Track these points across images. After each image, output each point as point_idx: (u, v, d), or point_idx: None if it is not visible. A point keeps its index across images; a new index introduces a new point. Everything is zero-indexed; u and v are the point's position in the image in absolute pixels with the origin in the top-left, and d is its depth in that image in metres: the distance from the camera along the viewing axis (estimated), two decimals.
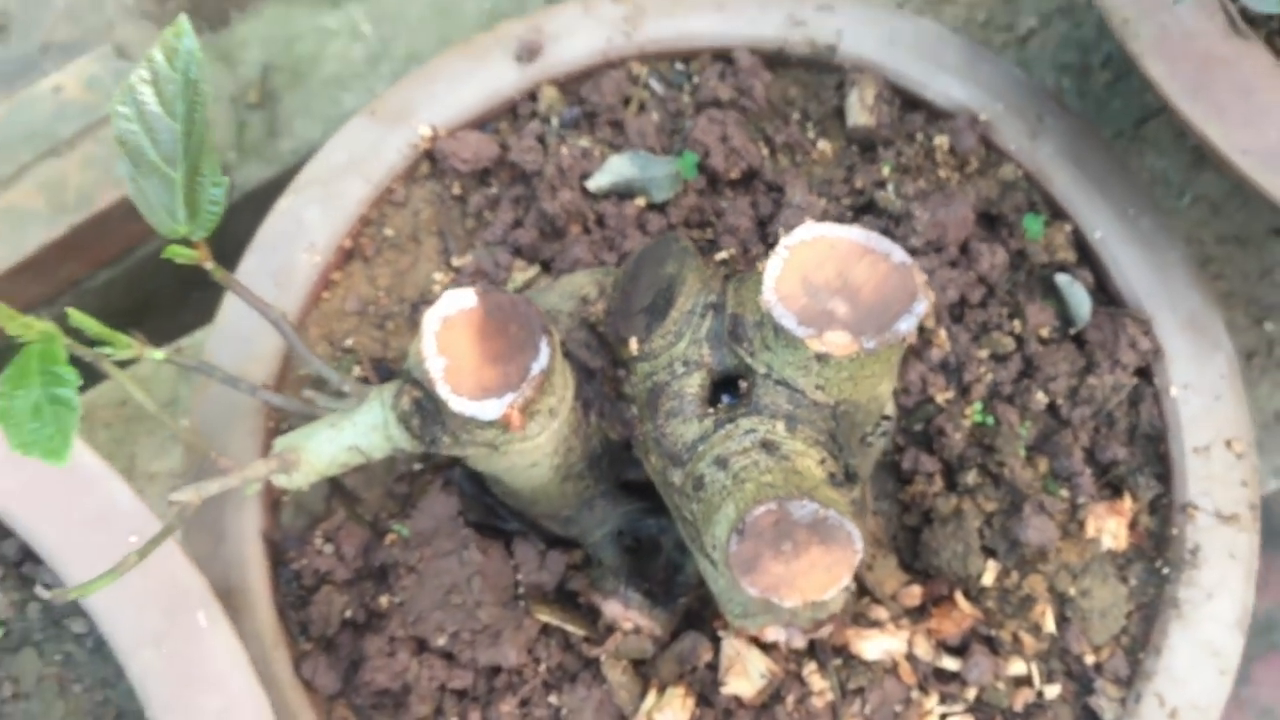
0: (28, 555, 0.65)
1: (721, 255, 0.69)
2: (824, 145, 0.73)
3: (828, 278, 0.56)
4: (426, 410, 0.57)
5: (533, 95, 0.74)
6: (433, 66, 0.75)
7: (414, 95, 0.75)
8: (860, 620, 0.68)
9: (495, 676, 0.68)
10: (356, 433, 0.60)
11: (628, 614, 0.67)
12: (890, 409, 0.63)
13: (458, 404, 0.55)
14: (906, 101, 0.73)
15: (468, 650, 0.67)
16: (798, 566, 0.55)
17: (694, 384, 0.59)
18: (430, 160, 0.74)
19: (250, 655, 0.65)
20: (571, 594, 0.69)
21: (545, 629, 0.68)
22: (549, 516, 0.68)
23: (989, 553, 0.68)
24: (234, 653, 0.61)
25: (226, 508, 0.70)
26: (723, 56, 0.74)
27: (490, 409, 0.55)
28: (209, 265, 0.56)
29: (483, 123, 0.75)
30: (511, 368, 0.56)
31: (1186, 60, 0.63)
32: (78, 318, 0.54)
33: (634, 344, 0.59)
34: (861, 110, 0.71)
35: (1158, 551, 0.69)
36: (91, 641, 0.64)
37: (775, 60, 0.74)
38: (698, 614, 0.69)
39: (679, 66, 0.75)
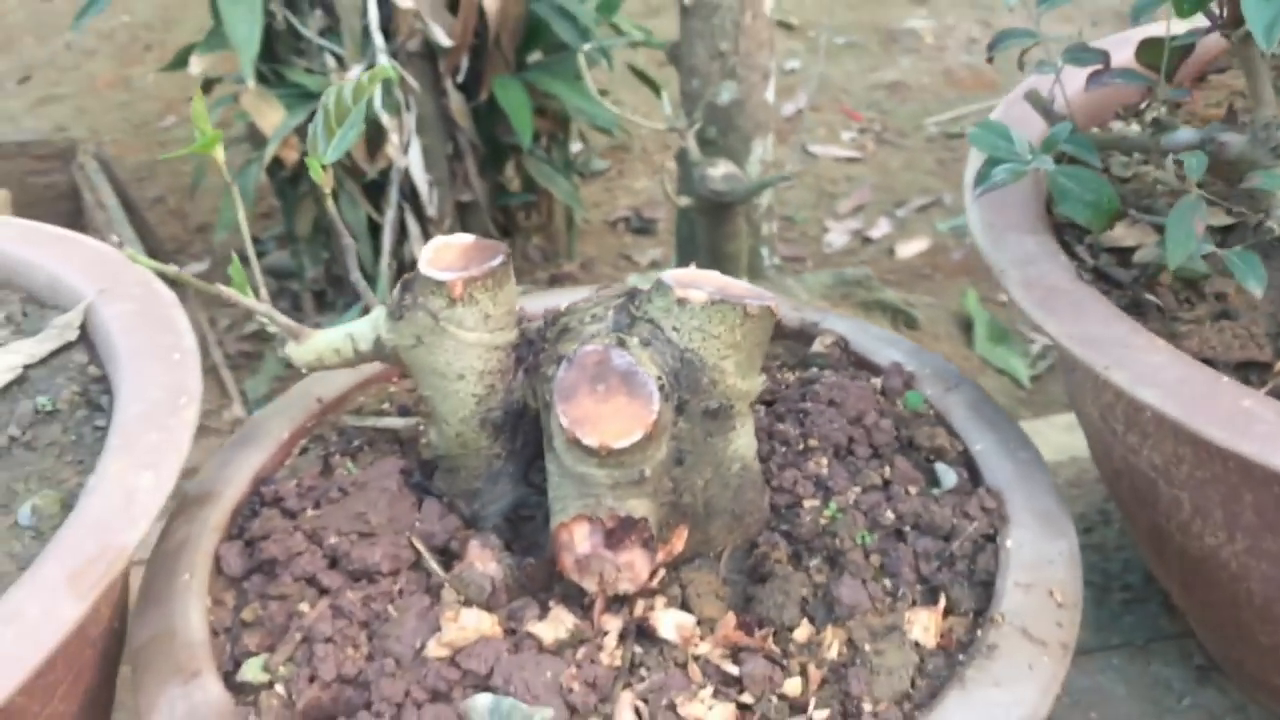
0: (104, 385, 0.87)
1: None
2: (791, 377, 0.93)
3: (712, 282, 0.76)
4: (407, 285, 0.79)
5: None
6: None
7: None
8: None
9: (356, 581, 0.78)
10: (355, 326, 0.82)
11: (482, 552, 0.77)
12: (744, 419, 0.76)
13: (427, 270, 0.78)
14: (856, 362, 0.93)
15: (346, 544, 0.78)
16: (605, 409, 0.70)
17: (591, 328, 0.77)
18: None
19: (189, 532, 0.81)
20: (452, 555, 0.80)
21: (415, 564, 0.79)
22: (463, 493, 0.82)
23: (807, 615, 0.74)
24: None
25: (242, 451, 0.89)
26: None
27: (445, 275, 0.77)
28: (326, 184, 0.85)
29: None
30: (472, 265, 0.78)
31: (1039, 290, 0.83)
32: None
33: (564, 305, 0.80)
34: (820, 346, 0.93)
35: (962, 651, 0.71)
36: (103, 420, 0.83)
37: (774, 332, 0.98)
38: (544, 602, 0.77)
39: None
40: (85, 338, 0.90)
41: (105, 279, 0.91)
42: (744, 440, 0.77)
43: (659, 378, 0.72)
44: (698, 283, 0.76)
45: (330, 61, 2.15)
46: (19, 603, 0.66)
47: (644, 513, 0.72)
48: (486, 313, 0.78)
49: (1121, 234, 0.90)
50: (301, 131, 2.25)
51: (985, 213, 0.90)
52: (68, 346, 0.89)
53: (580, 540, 0.72)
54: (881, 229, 2.79)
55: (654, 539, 0.72)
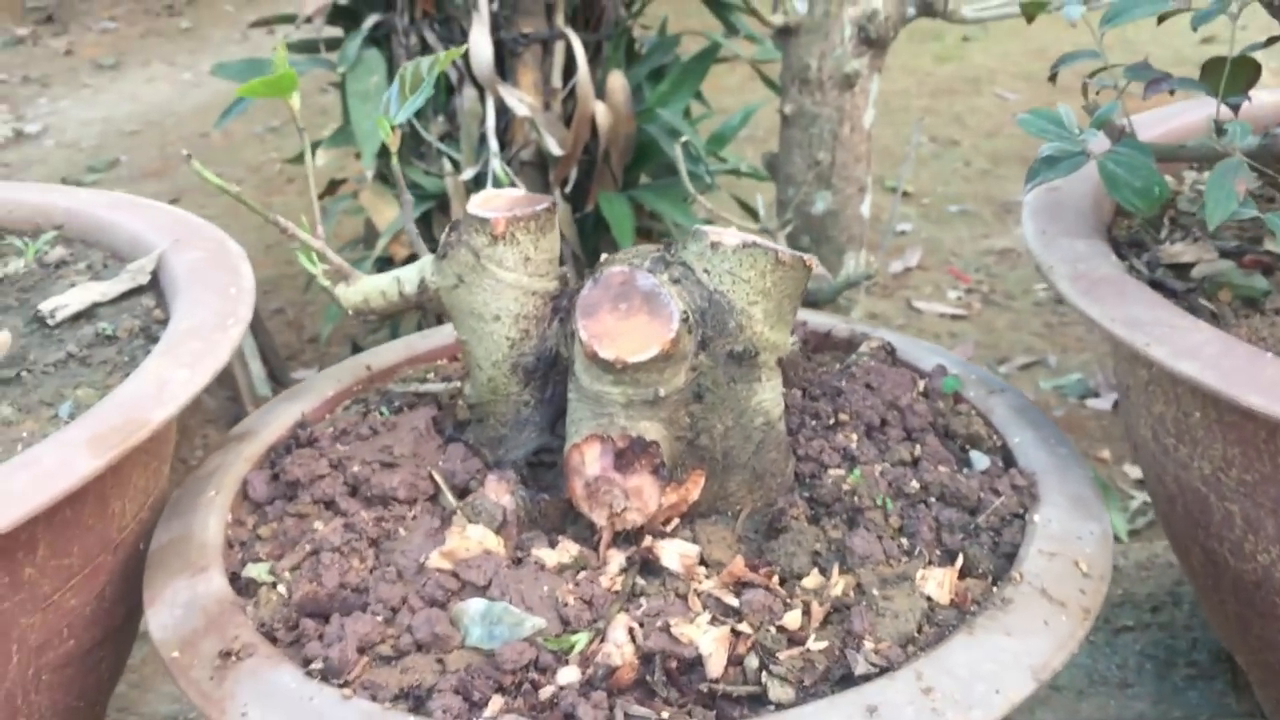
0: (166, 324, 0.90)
1: None
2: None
3: (744, 237, 0.78)
4: (455, 226, 0.82)
5: None
6: None
7: None
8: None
9: (372, 506, 0.78)
10: (403, 270, 0.85)
11: (498, 485, 0.77)
12: (771, 373, 0.76)
13: (475, 209, 0.80)
14: (901, 365, 0.92)
15: (368, 472, 0.79)
16: (625, 325, 0.71)
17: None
18: None
19: (224, 460, 0.83)
20: (467, 492, 0.79)
21: (433, 498, 0.79)
22: (490, 440, 0.82)
23: (818, 567, 0.71)
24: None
25: (287, 403, 0.91)
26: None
27: (490, 215, 0.79)
28: (393, 145, 0.89)
29: None
30: (517, 210, 0.81)
31: (1085, 281, 0.81)
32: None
33: (604, 257, 0.81)
34: (865, 348, 0.92)
35: (975, 605, 0.68)
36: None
37: (823, 342, 0.98)
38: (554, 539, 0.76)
39: None
40: (156, 286, 0.94)
41: (181, 235, 0.96)
42: (769, 395, 0.77)
43: (684, 311, 0.73)
44: (731, 232, 0.77)
45: (447, 165, 2.25)
46: (39, 454, 0.68)
47: (655, 436, 0.71)
48: (527, 255, 0.80)
49: (1181, 250, 0.88)
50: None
51: (1040, 221, 0.90)
52: (139, 290, 0.93)
53: (591, 461, 0.71)
54: None
55: (664, 466, 0.71)
